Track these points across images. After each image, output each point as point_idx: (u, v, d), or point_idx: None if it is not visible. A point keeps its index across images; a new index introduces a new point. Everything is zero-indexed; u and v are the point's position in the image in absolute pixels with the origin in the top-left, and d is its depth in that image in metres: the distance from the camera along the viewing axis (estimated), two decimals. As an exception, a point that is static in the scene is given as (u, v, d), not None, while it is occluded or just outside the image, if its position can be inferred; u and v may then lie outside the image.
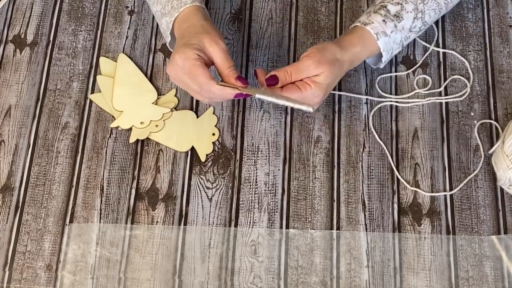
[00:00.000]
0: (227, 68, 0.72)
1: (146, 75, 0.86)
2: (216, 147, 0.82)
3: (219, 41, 0.71)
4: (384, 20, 0.75)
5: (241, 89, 0.71)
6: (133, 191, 0.80)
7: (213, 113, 0.84)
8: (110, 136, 0.83)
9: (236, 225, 0.78)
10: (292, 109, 0.84)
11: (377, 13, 0.76)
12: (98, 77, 0.86)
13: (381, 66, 0.81)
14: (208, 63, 0.72)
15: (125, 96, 0.84)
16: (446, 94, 0.84)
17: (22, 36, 0.89)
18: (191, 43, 0.71)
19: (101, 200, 0.80)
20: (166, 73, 0.86)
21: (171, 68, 0.72)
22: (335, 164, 0.81)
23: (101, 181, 0.81)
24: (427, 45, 0.86)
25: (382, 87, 0.84)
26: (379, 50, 0.76)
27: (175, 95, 0.85)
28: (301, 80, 0.73)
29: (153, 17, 0.90)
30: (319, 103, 0.74)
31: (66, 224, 0.79)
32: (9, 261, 0.77)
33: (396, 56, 0.86)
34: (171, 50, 0.79)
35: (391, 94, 0.84)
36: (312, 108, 0.73)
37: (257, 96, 0.71)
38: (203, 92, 0.71)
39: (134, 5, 0.90)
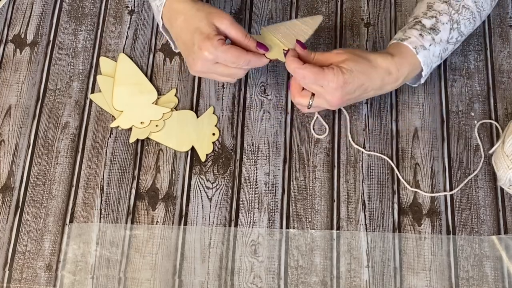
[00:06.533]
0: (245, 38, 0.72)
1: (146, 75, 0.86)
2: (216, 147, 0.82)
3: (224, 15, 0.71)
4: (420, 34, 0.73)
5: (267, 55, 0.73)
6: (133, 191, 0.80)
7: (213, 113, 0.84)
8: (110, 136, 0.83)
9: (236, 225, 0.78)
10: (292, 109, 0.84)
11: (413, 28, 0.74)
12: (98, 77, 0.86)
13: (422, 81, 0.78)
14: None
15: (125, 96, 0.84)
16: (446, 94, 0.84)
17: (22, 36, 0.89)
18: (207, 33, 0.70)
19: (101, 200, 0.80)
20: (166, 72, 0.86)
21: (201, 64, 0.71)
22: (335, 164, 0.81)
23: (101, 181, 0.81)
24: None
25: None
26: (419, 65, 0.74)
27: (175, 95, 0.85)
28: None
29: (153, 17, 0.90)
30: (336, 99, 0.71)
31: (66, 224, 0.79)
32: (9, 261, 0.77)
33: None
34: (164, 33, 0.78)
35: (391, 93, 0.84)
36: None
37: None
38: (234, 72, 0.72)
39: (134, 5, 0.90)
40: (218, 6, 0.89)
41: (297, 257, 0.77)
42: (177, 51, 0.84)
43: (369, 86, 0.72)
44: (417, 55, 0.73)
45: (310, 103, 0.73)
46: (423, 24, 0.74)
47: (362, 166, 0.81)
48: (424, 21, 0.75)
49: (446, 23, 0.75)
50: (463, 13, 0.75)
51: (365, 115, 0.83)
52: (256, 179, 0.80)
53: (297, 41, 0.73)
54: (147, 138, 0.83)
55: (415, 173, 0.80)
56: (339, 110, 0.83)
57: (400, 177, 0.80)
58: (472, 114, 0.83)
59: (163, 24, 0.77)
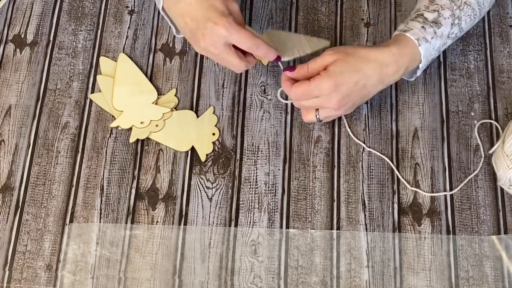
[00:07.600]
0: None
1: (146, 75, 0.86)
2: (216, 147, 0.82)
3: (236, 2, 0.71)
4: (423, 27, 0.73)
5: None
6: (133, 191, 0.80)
7: (213, 113, 0.84)
8: (110, 136, 0.83)
9: (236, 225, 0.78)
10: (292, 108, 0.84)
11: (415, 21, 0.74)
12: (98, 76, 0.86)
13: (418, 74, 0.78)
14: None
15: (125, 96, 0.84)
16: (446, 94, 0.84)
17: (22, 36, 0.89)
18: (222, 10, 0.68)
19: (101, 200, 0.80)
20: (166, 72, 0.86)
21: (210, 40, 0.68)
22: (335, 164, 0.81)
23: (101, 181, 0.81)
24: None
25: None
26: (419, 57, 0.73)
27: (175, 95, 0.85)
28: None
29: (153, 17, 0.90)
30: (336, 103, 0.71)
31: (66, 224, 0.79)
32: (9, 261, 0.77)
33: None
34: (163, 14, 0.75)
35: (391, 93, 0.84)
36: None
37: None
38: (234, 64, 0.71)
39: (134, 4, 0.90)
40: (218, 6, 0.89)
41: (297, 257, 0.77)
42: (178, 35, 0.81)
43: (366, 82, 0.71)
44: (419, 47, 0.72)
45: (317, 116, 0.75)
46: (425, 17, 0.74)
47: (362, 166, 0.81)
48: (426, 15, 0.74)
49: (448, 17, 0.74)
50: (464, 9, 0.75)
51: (365, 115, 0.83)
52: (256, 179, 0.80)
53: (284, 69, 0.73)
54: (147, 138, 0.83)
55: (415, 173, 0.80)
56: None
57: (400, 177, 0.80)
58: (472, 114, 0.83)
59: (162, 6, 0.74)
